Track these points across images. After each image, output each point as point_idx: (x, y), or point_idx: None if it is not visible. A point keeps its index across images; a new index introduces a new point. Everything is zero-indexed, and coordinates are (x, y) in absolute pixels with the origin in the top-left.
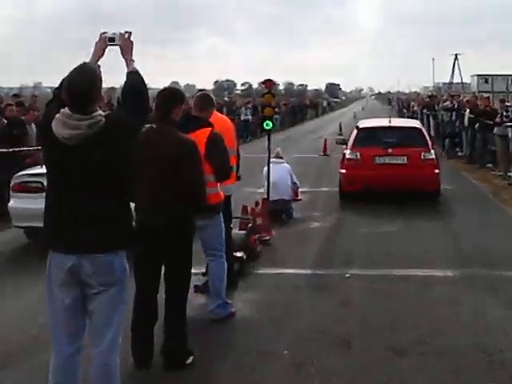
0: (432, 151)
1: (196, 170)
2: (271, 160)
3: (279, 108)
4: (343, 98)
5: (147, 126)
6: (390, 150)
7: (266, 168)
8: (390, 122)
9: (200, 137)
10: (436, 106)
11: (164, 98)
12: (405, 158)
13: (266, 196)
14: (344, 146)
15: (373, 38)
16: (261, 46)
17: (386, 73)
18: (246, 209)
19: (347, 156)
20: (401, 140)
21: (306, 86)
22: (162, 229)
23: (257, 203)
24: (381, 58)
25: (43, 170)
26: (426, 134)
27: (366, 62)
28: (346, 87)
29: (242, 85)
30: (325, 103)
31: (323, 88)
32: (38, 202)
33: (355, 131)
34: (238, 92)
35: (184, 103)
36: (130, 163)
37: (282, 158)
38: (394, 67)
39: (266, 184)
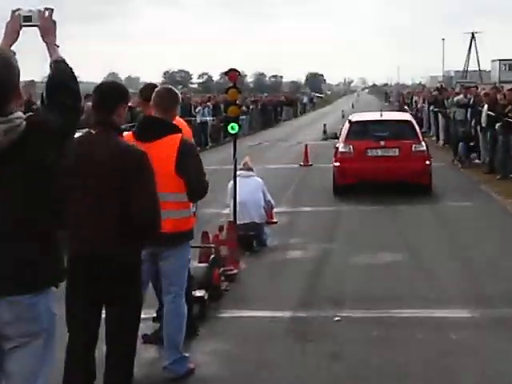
0: (423, 143)
1: (147, 189)
2: (238, 173)
3: (247, 106)
4: (328, 92)
5: (83, 131)
6: (382, 143)
7: (231, 183)
8: (381, 115)
9: (168, 146)
10: (446, 102)
11: (104, 96)
12: (396, 150)
13: (232, 218)
14: (336, 140)
15: (365, 12)
16: (222, 23)
17: (383, 59)
18: (207, 235)
19: (340, 149)
20: (392, 133)
21: (281, 77)
22: (101, 262)
23: (221, 228)
24: (375, 40)
25: None
26: (416, 126)
27: (356, 46)
28: (332, 79)
29: (200, 76)
30: (305, 99)
31: (303, 80)
32: None
33: (347, 124)
34: (193, 86)
35: (129, 102)
36: (61, 180)
37: (251, 169)
38: (393, 51)
39: (231, 203)
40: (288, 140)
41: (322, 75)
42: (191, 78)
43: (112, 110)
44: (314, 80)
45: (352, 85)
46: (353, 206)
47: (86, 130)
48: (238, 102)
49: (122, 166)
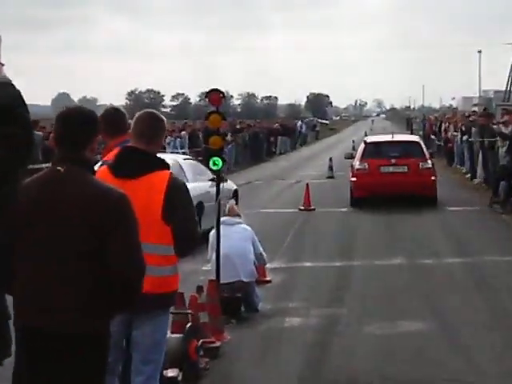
0: (429, 161)
1: (130, 243)
2: (222, 219)
3: (233, 136)
4: (335, 117)
5: (44, 166)
6: (393, 161)
7: (213, 232)
8: (392, 137)
9: (154, 185)
10: (476, 129)
11: (71, 125)
12: (406, 167)
13: (214, 276)
14: (352, 160)
15: (379, 20)
16: (205, 34)
17: (403, 77)
18: (181, 298)
19: (357, 166)
20: (402, 152)
21: (276, 98)
22: (59, 338)
23: (200, 288)
24: (393, 53)
25: None
26: (423, 146)
27: (370, 59)
28: (340, 101)
29: (173, 98)
30: (303, 128)
31: (303, 102)
32: None
33: (363, 145)
34: (165, 110)
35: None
36: (6, 231)
37: (238, 215)
38: (416, 67)
39: (213, 257)
40: (285, 178)
41: (328, 96)
42: (163, 100)
43: (84, 143)
44: (317, 102)
45: (365, 109)
46: (366, 261)
47: (46, 166)
48: (221, 130)
49: (100, 211)
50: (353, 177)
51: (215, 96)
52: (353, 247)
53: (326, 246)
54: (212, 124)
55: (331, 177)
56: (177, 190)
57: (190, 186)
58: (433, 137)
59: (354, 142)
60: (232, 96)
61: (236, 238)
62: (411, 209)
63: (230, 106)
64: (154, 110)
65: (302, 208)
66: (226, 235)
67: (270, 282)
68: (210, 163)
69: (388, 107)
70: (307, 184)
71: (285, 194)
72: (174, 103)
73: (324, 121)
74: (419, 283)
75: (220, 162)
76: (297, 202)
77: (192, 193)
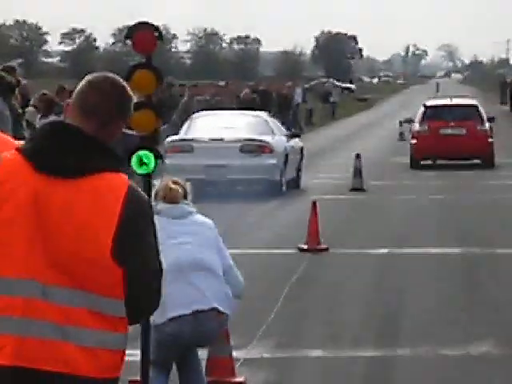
0: (486, 124)
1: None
2: (160, 208)
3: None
4: (368, 79)
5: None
6: (451, 123)
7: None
8: (451, 100)
9: (104, 195)
10: None
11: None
12: (463, 129)
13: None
14: (411, 124)
15: None
16: None
17: (493, 5)
18: None
19: (417, 129)
20: (460, 115)
21: (258, 42)
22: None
23: None
24: None
25: (187, 135)
26: (482, 110)
27: None
28: (377, 49)
29: (64, 38)
30: (302, 98)
31: (308, 50)
32: (189, 160)
33: (422, 108)
34: (49, 60)
35: None
36: None
37: (185, 197)
38: None
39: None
40: None
41: (355, 38)
42: (45, 42)
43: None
44: (335, 50)
45: (424, 63)
46: (419, 349)
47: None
48: (153, 98)
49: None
50: (413, 139)
51: (144, 36)
52: (397, 323)
53: (346, 319)
54: (139, 88)
55: (359, 188)
56: (139, 210)
57: (276, 138)
58: None
59: (401, 124)
60: (176, 36)
61: (193, 241)
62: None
63: (173, 53)
64: (116, 77)
65: (305, 247)
66: (172, 237)
67: None
68: (134, 161)
69: (467, 61)
70: (314, 203)
71: (274, 220)
72: (65, 48)
73: (348, 85)
74: None
75: (152, 160)
76: (296, 235)
77: (279, 145)
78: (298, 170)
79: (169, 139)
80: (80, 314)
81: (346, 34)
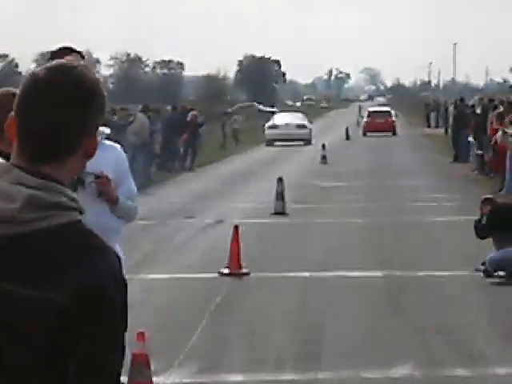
0: (393, 117)
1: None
2: None
3: None
4: (291, 102)
5: None
6: (379, 116)
7: None
8: (379, 107)
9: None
10: None
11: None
12: (383, 119)
13: None
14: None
15: None
16: None
17: (416, 30)
18: None
19: (365, 119)
20: (383, 113)
21: (181, 66)
22: None
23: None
24: None
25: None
26: (391, 111)
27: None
28: (300, 73)
29: None
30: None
31: (231, 74)
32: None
33: (367, 111)
34: None
35: None
36: None
37: None
38: (439, 13)
39: None
40: (194, 215)
41: (278, 63)
42: None
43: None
44: (259, 73)
45: (346, 86)
46: (326, 374)
47: None
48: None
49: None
50: (364, 123)
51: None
52: (319, 347)
53: (268, 344)
54: None
55: (281, 212)
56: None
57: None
58: (471, 139)
59: (324, 148)
60: (99, 61)
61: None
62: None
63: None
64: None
65: (226, 272)
66: None
67: None
68: None
69: (389, 84)
70: (236, 227)
71: (195, 245)
72: None
73: (271, 109)
74: None
75: None
76: (217, 260)
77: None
78: None
79: None
80: None
81: (269, 58)
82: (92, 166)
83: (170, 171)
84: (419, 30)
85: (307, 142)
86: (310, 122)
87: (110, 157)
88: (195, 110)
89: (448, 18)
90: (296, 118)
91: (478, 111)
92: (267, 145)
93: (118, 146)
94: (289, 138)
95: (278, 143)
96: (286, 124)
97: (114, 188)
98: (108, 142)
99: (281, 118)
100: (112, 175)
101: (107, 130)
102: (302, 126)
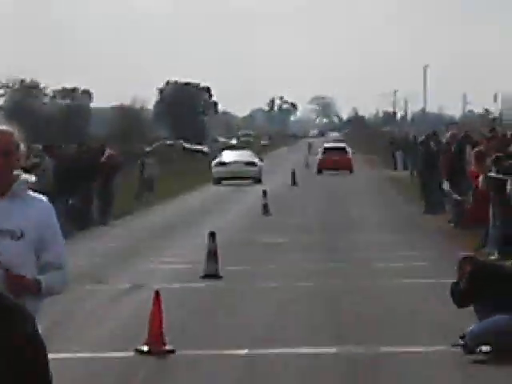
0: (350, 154)
1: None
2: None
3: None
4: (224, 139)
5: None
6: (334, 153)
7: None
8: (334, 143)
9: None
10: None
11: None
12: (339, 156)
13: None
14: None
15: None
16: None
17: (376, 52)
18: None
19: (319, 157)
20: (338, 150)
21: (88, 95)
22: None
23: None
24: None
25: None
26: (347, 147)
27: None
28: (236, 103)
29: None
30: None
31: (150, 105)
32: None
33: (322, 148)
34: None
35: None
36: None
37: None
38: (407, 31)
39: None
40: (106, 280)
41: (208, 89)
42: None
43: None
44: (185, 103)
45: (293, 119)
46: None
47: None
48: None
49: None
50: (318, 161)
51: None
52: None
53: None
54: None
55: (213, 275)
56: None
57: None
58: (446, 187)
59: (265, 195)
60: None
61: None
62: None
63: None
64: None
65: (146, 350)
66: None
67: None
68: None
69: (345, 116)
70: (157, 293)
71: (107, 316)
72: None
73: (199, 147)
74: None
75: None
76: (134, 335)
77: None
78: None
79: None
80: None
81: (197, 86)
82: (12, 221)
83: (76, 225)
84: (382, 51)
85: (257, 180)
86: (261, 160)
87: (31, 213)
88: (110, 147)
89: (418, 35)
90: (245, 155)
91: (453, 149)
92: (214, 183)
93: (43, 198)
94: (237, 175)
95: (225, 182)
96: (235, 161)
97: (28, 282)
98: (32, 194)
99: (229, 155)
100: (34, 235)
101: (32, 178)
102: (252, 164)
